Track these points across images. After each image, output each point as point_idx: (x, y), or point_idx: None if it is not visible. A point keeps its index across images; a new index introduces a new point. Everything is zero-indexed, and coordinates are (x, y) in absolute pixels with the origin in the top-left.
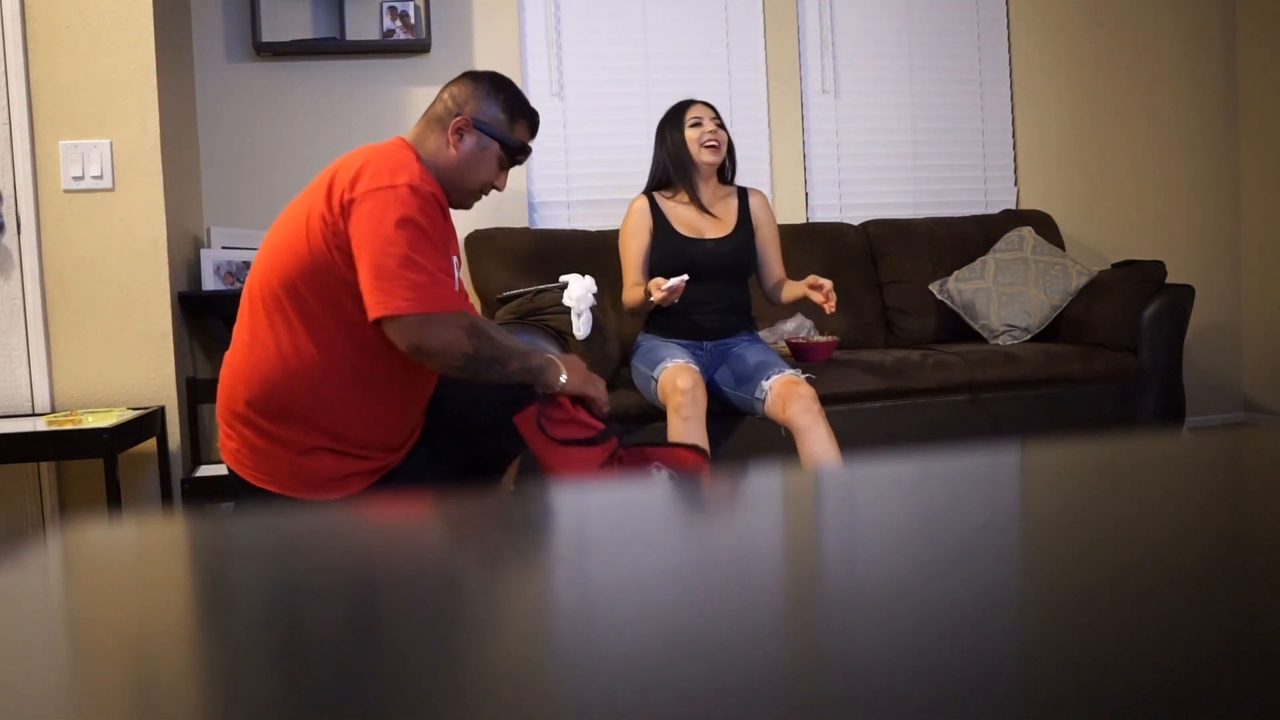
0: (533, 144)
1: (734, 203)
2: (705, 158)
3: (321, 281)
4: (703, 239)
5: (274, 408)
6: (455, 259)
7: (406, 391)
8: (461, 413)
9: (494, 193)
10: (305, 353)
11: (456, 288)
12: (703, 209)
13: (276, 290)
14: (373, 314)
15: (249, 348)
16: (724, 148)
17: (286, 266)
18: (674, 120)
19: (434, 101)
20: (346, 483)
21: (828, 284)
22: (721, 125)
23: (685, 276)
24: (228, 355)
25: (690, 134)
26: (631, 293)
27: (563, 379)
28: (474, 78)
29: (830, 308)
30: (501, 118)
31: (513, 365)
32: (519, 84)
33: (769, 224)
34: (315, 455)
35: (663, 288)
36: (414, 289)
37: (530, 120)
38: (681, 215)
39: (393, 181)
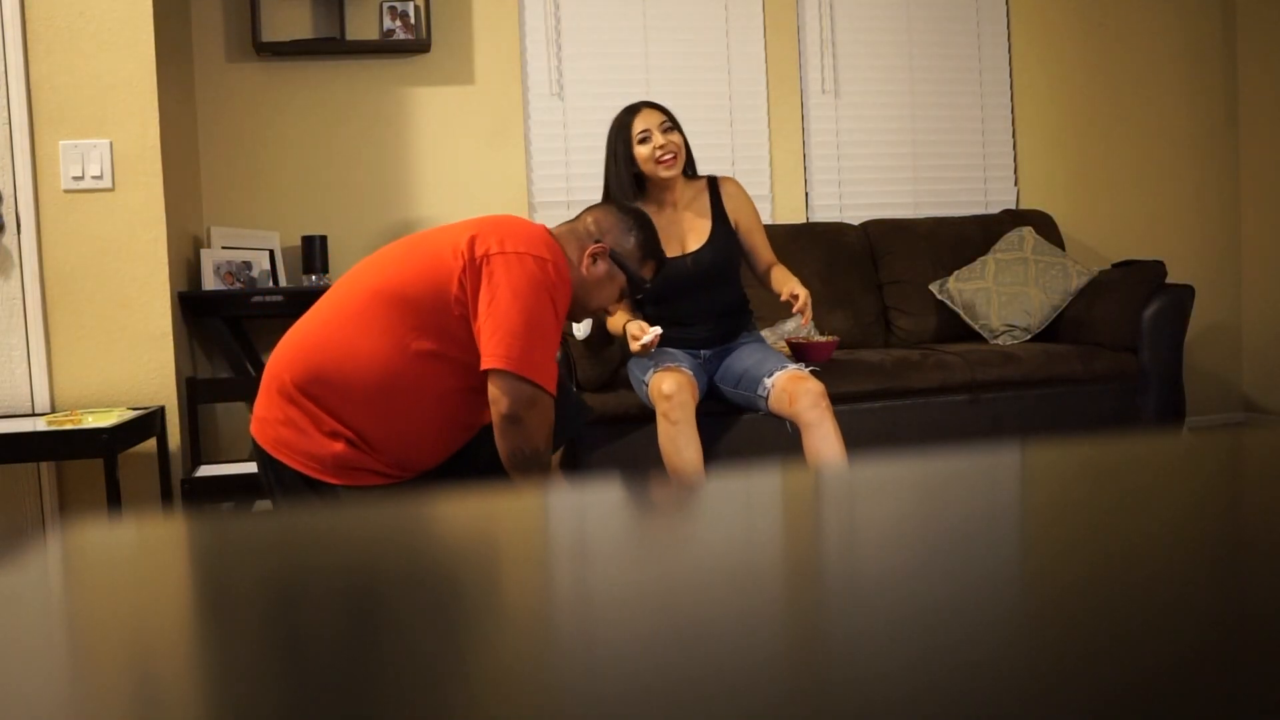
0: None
1: (705, 199)
2: (662, 173)
3: (432, 308)
4: (683, 255)
5: (323, 390)
6: None
7: (448, 429)
8: (486, 466)
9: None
10: (383, 359)
11: None
12: (672, 219)
13: (391, 297)
14: (494, 363)
15: (333, 332)
16: (681, 154)
17: (410, 283)
18: (621, 137)
19: (576, 218)
20: (355, 474)
21: (803, 296)
22: (673, 126)
23: (658, 330)
24: (303, 326)
25: (640, 151)
26: (615, 320)
27: None
28: (620, 210)
29: (805, 321)
30: (637, 254)
31: (527, 477)
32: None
33: (748, 213)
34: (335, 439)
35: (640, 341)
36: (546, 365)
37: (659, 263)
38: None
39: (554, 258)
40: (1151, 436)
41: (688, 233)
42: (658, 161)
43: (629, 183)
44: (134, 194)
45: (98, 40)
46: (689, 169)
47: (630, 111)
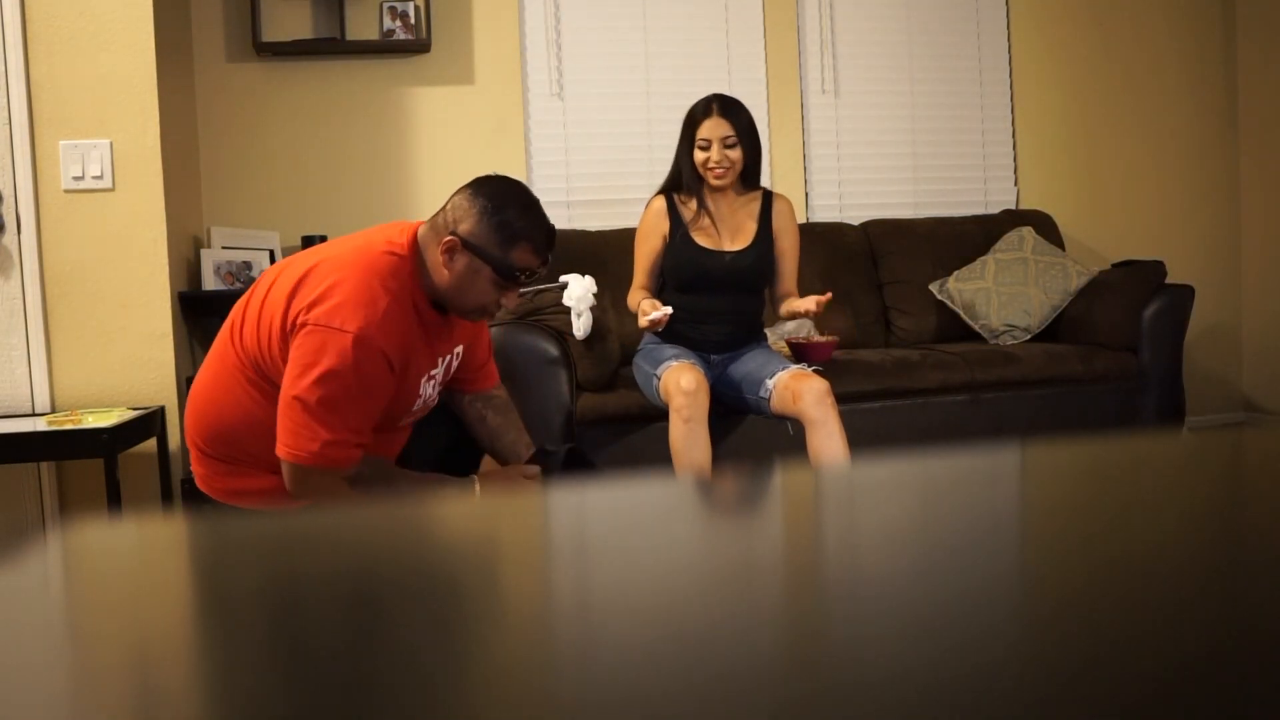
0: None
1: (756, 209)
2: (712, 181)
3: (276, 365)
4: (720, 251)
5: (233, 450)
6: (437, 366)
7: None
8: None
9: None
10: (268, 413)
11: (422, 404)
12: (721, 215)
13: (252, 361)
14: (277, 448)
15: (223, 393)
16: (735, 169)
17: (255, 342)
18: (687, 132)
19: (445, 203)
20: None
21: (823, 298)
22: (736, 143)
23: (669, 310)
24: (199, 385)
25: (698, 155)
26: (632, 296)
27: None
28: (475, 191)
29: (816, 311)
30: (495, 239)
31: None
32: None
33: (790, 234)
34: (277, 473)
35: (648, 316)
36: (310, 442)
37: (535, 242)
38: (700, 222)
39: (342, 324)
40: (1151, 436)
41: (734, 232)
42: (708, 169)
43: (693, 174)
44: (134, 194)
45: (98, 40)
46: (751, 180)
47: (704, 111)
